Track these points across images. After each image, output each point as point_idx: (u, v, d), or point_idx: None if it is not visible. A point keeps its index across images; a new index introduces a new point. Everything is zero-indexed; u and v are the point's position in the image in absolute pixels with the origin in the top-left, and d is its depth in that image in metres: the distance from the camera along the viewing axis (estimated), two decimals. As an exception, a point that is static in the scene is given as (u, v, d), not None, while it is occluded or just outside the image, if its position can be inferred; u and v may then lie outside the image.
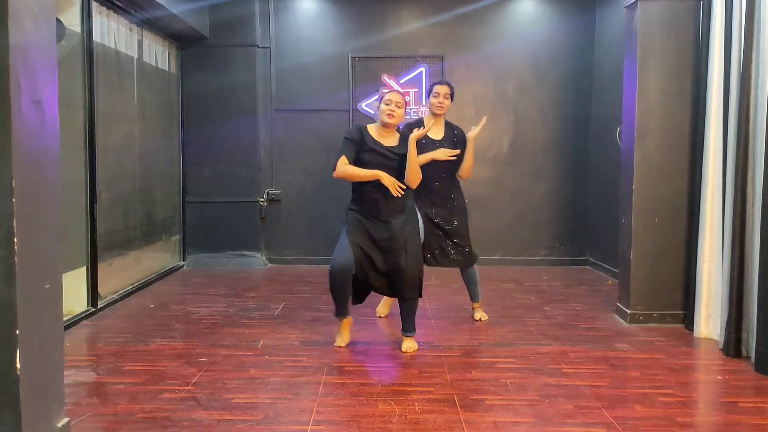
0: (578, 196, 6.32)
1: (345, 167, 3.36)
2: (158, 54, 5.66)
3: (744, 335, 3.39)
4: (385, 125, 3.45)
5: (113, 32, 4.77)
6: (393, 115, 3.42)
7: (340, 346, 3.55)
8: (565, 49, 6.22)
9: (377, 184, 3.38)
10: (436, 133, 3.95)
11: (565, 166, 6.30)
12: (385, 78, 6.20)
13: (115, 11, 4.77)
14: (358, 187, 3.46)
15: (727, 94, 3.56)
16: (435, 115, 3.92)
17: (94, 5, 4.41)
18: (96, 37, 4.43)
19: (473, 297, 4.19)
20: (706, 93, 3.75)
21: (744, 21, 3.36)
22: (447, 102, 3.91)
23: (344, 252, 3.37)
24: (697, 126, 3.89)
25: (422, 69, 6.19)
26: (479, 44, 6.22)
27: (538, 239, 6.25)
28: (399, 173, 3.40)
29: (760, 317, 3.16)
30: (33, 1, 2.04)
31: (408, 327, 3.52)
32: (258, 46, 6.12)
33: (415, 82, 6.21)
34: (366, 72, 6.23)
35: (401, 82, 6.21)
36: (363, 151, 3.39)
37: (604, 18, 5.99)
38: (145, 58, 5.38)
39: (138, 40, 5.22)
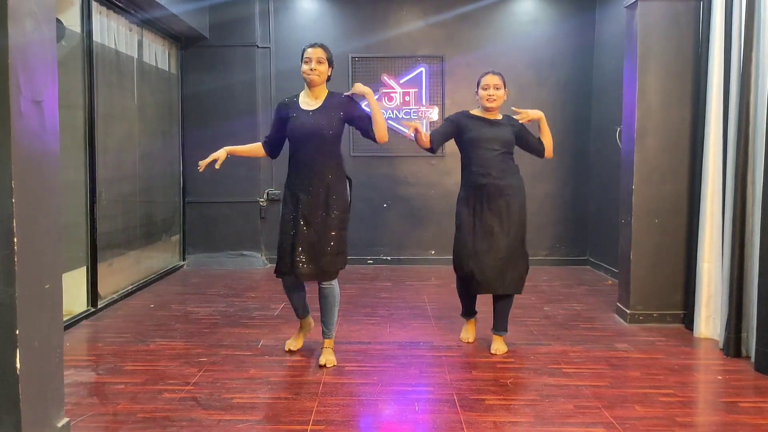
0: (578, 196, 6.32)
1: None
2: (158, 54, 5.66)
3: (744, 335, 3.39)
4: (487, 110, 3.43)
5: (113, 32, 4.77)
6: (492, 98, 3.38)
7: (468, 342, 3.63)
8: (565, 49, 6.22)
9: (484, 164, 3.37)
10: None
11: (566, 167, 6.30)
12: (385, 78, 6.20)
13: (115, 11, 4.77)
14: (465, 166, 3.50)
15: (727, 94, 3.56)
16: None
17: (94, 5, 4.41)
18: (96, 37, 4.43)
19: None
20: (706, 93, 3.75)
21: (744, 21, 3.36)
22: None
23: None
24: (697, 126, 3.89)
25: (422, 69, 6.19)
26: (479, 44, 6.22)
27: (538, 239, 6.25)
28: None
29: (760, 317, 3.16)
30: (33, 1, 2.04)
31: (500, 325, 3.49)
32: (258, 46, 6.12)
33: (415, 82, 6.21)
34: (366, 72, 6.23)
35: (401, 82, 6.22)
36: (466, 133, 3.44)
37: (604, 18, 5.99)
38: (145, 58, 5.38)
39: (138, 40, 5.22)
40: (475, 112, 3.52)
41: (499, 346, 3.46)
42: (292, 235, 3.17)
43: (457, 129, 3.50)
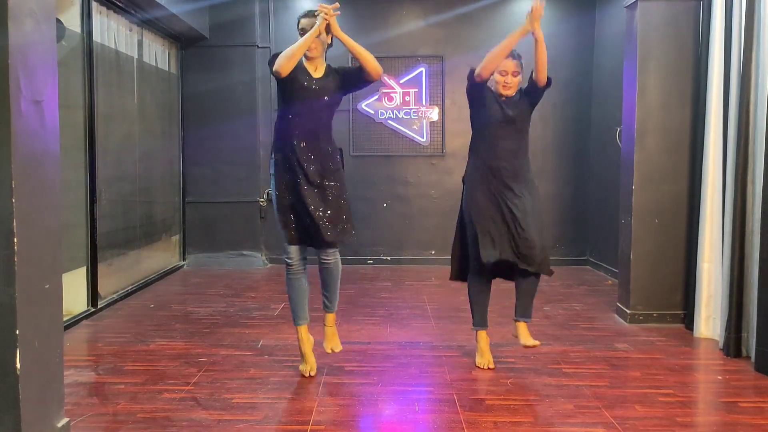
0: (578, 197, 6.32)
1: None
2: (158, 54, 5.66)
3: (744, 335, 3.39)
4: (501, 96, 3.18)
5: (113, 32, 4.77)
6: (509, 86, 3.14)
7: (489, 368, 3.21)
8: (565, 50, 6.22)
9: (497, 146, 3.11)
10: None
11: (566, 167, 6.30)
12: (385, 78, 6.20)
13: (115, 11, 4.77)
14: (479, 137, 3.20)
15: (727, 94, 3.56)
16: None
17: (94, 5, 4.41)
18: (96, 37, 4.43)
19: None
20: (706, 93, 3.75)
21: (744, 21, 3.36)
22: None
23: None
24: (697, 126, 3.89)
25: (422, 69, 6.20)
26: (479, 44, 6.21)
27: (538, 239, 6.24)
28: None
29: (760, 317, 3.16)
30: (33, 1, 2.04)
31: (527, 310, 3.19)
32: (258, 46, 6.12)
33: (415, 82, 6.22)
34: (366, 72, 6.22)
35: (401, 82, 6.22)
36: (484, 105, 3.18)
37: (604, 18, 5.99)
38: (145, 58, 5.37)
39: (138, 40, 5.22)
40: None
41: (528, 336, 3.14)
42: (298, 201, 2.96)
43: (482, 92, 3.19)
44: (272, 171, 3.06)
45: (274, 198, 3.07)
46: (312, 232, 3.00)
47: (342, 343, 3.62)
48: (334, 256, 3.09)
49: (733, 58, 3.48)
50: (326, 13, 2.91)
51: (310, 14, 3.01)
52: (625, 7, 4.19)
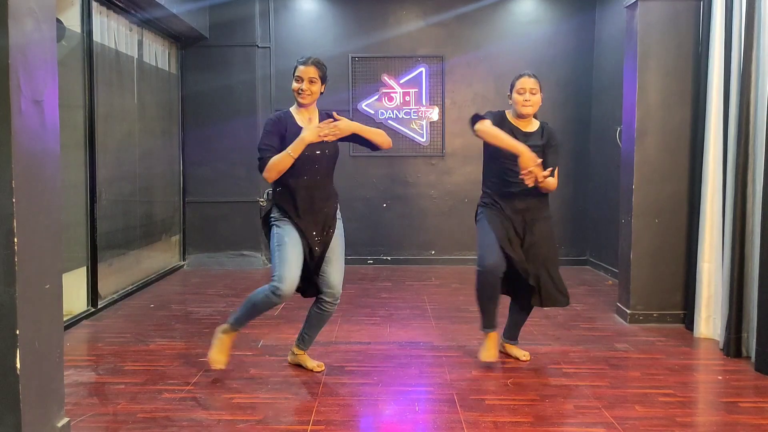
0: (578, 197, 6.32)
1: (489, 128, 3.02)
2: (158, 54, 5.66)
3: (744, 335, 3.39)
4: (522, 116, 3.15)
5: (113, 32, 4.77)
6: (528, 104, 3.10)
7: (492, 361, 3.21)
8: (565, 49, 6.22)
9: (506, 180, 3.10)
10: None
11: (565, 167, 6.29)
12: (385, 78, 6.20)
13: (115, 11, 4.77)
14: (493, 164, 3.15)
15: (727, 94, 3.56)
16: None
17: (94, 5, 4.41)
18: (96, 37, 4.43)
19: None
20: (706, 93, 3.75)
21: (744, 21, 3.36)
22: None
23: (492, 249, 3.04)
24: (697, 126, 3.89)
25: (422, 69, 6.20)
26: (479, 44, 6.22)
27: (538, 239, 6.25)
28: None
29: (760, 317, 3.16)
30: (33, 1, 2.04)
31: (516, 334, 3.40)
32: (258, 46, 6.12)
33: (415, 82, 6.22)
34: (366, 72, 6.23)
35: (401, 82, 6.22)
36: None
37: (604, 18, 5.99)
38: (145, 58, 5.38)
39: (138, 40, 5.22)
40: (510, 116, 3.19)
41: (521, 351, 3.37)
42: (307, 254, 2.95)
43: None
44: (277, 222, 2.97)
45: (279, 236, 2.93)
46: (321, 274, 3.03)
47: (342, 343, 3.64)
48: (336, 303, 3.07)
49: (733, 58, 3.48)
50: (328, 130, 2.84)
51: (309, 62, 2.93)
52: (625, 6, 4.19)
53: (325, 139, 2.85)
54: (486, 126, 3.05)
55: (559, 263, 3.22)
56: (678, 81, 4.00)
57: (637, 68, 4.01)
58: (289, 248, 2.90)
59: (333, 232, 3.06)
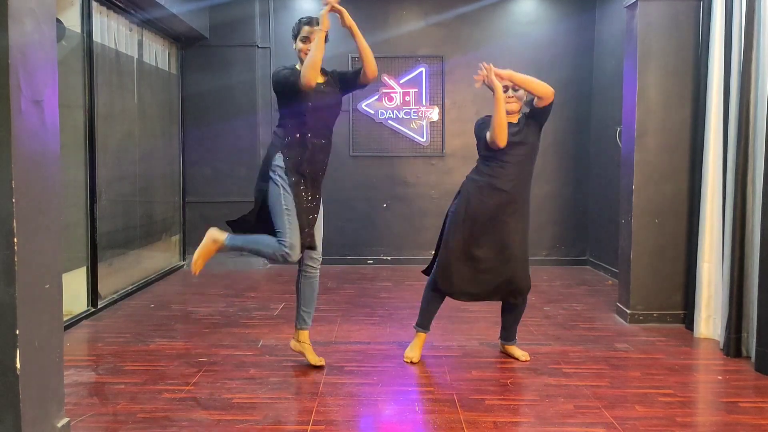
0: (578, 197, 6.32)
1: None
2: (158, 54, 5.66)
3: (744, 335, 3.39)
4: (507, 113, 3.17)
5: (113, 32, 4.76)
6: (512, 101, 3.15)
7: (414, 362, 3.28)
8: (565, 50, 6.22)
9: (499, 171, 3.14)
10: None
11: (566, 167, 6.30)
12: (385, 78, 6.20)
13: (115, 11, 4.77)
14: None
15: (727, 94, 3.56)
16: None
17: (94, 5, 4.41)
18: (96, 37, 4.43)
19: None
20: (706, 93, 3.75)
21: (744, 21, 3.36)
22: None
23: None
24: (697, 126, 3.89)
25: (422, 69, 6.20)
26: (479, 44, 6.22)
27: (538, 239, 6.25)
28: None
29: (760, 317, 3.16)
30: (33, 1, 2.04)
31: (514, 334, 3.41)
32: (258, 46, 6.12)
33: (415, 82, 6.22)
34: (366, 72, 6.22)
35: (401, 82, 6.22)
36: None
37: (604, 18, 5.99)
38: (145, 58, 5.37)
39: (138, 40, 5.22)
40: None
41: (520, 351, 3.39)
42: (309, 211, 3.02)
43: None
44: (282, 175, 2.99)
45: (288, 200, 2.98)
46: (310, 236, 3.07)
47: (342, 343, 3.64)
48: (319, 265, 3.20)
49: (733, 58, 3.48)
50: (334, 5, 2.90)
51: (313, 21, 3.00)
52: (625, 7, 4.19)
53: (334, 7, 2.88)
54: (494, 131, 3.09)
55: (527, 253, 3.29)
56: (678, 81, 4.00)
57: (637, 68, 4.01)
58: (296, 214, 2.98)
59: (320, 197, 3.15)
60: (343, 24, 2.96)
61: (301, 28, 3.02)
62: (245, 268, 6.11)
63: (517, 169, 3.14)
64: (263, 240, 3.09)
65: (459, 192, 3.27)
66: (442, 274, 3.24)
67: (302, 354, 3.23)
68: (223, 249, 3.23)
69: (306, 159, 3.01)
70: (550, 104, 3.18)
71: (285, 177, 3.00)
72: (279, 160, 3.01)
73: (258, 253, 3.18)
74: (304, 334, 3.23)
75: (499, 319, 3.87)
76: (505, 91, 3.13)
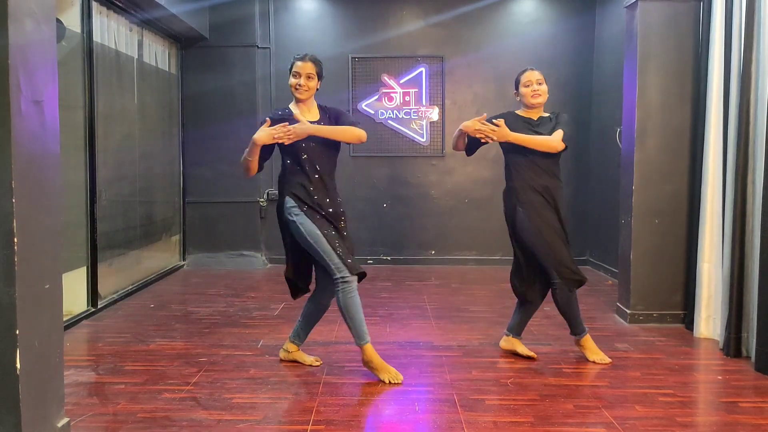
0: (578, 197, 6.32)
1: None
2: (158, 54, 5.67)
3: (744, 335, 3.39)
4: (532, 107, 3.26)
5: (113, 32, 4.77)
6: (537, 94, 3.20)
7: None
8: (565, 50, 6.22)
9: (524, 170, 3.26)
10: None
11: (566, 167, 6.26)
12: (385, 78, 6.20)
13: (115, 11, 4.77)
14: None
15: (727, 94, 3.56)
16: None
17: (94, 5, 4.41)
18: (96, 37, 4.43)
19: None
20: (706, 93, 3.75)
21: (744, 21, 3.36)
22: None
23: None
24: (697, 126, 3.89)
25: (422, 69, 6.20)
26: (479, 44, 6.22)
27: (538, 239, 6.25)
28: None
29: (760, 317, 3.16)
30: (33, 1, 2.04)
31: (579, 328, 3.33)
32: (258, 47, 6.13)
33: (415, 82, 6.22)
34: (366, 72, 6.23)
35: (401, 82, 6.22)
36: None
37: (604, 18, 5.99)
38: (145, 58, 5.38)
39: (138, 40, 5.22)
40: (521, 112, 3.33)
41: (595, 351, 3.35)
42: (334, 235, 3.00)
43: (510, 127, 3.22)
44: (297, 212, 3.00)
45: (310, 229, 2.97)
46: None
47: (342, 343, 3.64)
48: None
49: (733, 58, 3.48)
50: (282, 133, 2.98)
51: (306, 58, 3.06)
52: (625, 7, 4.19)
53: (280, 141, 2.98)
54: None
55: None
56: (678, 81, 4.00)
57: (637, 69, 4.01)
58: (324, 238, 2.97)
59: (344, 226, 3.14)
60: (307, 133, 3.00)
61: (293, 63, 3.08)
62: (245, 268, 6.11)
63: (547, 163, 3.26)
64: (342, 306, 2.99)
65: (509, 207, 3.33)
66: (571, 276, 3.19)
67: (296, 361, 3.28)
68: (296, 346, 3.31)
69: (313, 196, 3.02)
70: (563, 150, 3.27)
71: (300, 212, 3.00)
72: (289, 202, 3.04)
73: (351, 310, 2.99)
74: (293, 347, 3.29)
75: (500, 319, 3.88)
76: (528, 86, 3.23)
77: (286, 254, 3.21)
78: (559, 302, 3.22)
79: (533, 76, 3.24)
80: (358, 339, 3.01)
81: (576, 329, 3.31)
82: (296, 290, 3.27)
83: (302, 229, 2.98)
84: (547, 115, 3.31)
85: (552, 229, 3.24)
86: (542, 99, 3.24)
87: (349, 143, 3.19)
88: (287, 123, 3.00)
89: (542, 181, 3.26)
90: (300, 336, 3.30)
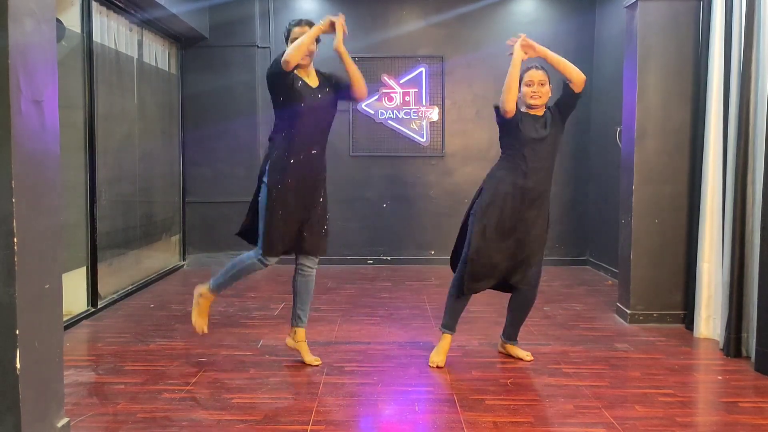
0: (578, 197, 6.32)
1: None
2: (158, 54, 5.66)
3: (744, 335, 3.39)
4: (531, 107, 3.19)
5: (113, 32, 4.77)
6: (537, 95, 3.14)
7: (440, 367, 3.22)
8: (565, 50, 6.17)
9: (528, 164, 3.14)
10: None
11: (565, 167, 6.29)
12: (385, 78, 6.20)
13: (115, 11, 4.77)
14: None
15: (727, 94, 3.56)
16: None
17: (94, 5, 4.41)
18: (96, 37, 4.43)
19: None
20: (706, 93, 3.75)
21: (744, 21, 3.36)
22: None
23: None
24: (697, 126, 3.89)
25: (422, 69, 6.20)
26: (479, 44, 6.22)
27: (538, 239, 6.25)
28: None
29: (760, 317, 3.16)
30: (33, 1, 2.04)
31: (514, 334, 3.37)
32: (258, 47, 6.13)
33: (415, 82, 6.22)
34: (366, 72, 6.18)
35: (401, 82, 6.22)
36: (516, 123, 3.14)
37: (604, 18, 5.99)
38: (145, 58, 5.38)
39: (138, 40, 5.22)
40: (525, 108, 3.23)
41: (523, 351, 3.38)
42: (293, 214, 3.05)
43: (514, 118, 3.15)
44: (272, 177, 3.03)
45: (268, 204, 3.03)
46: (299, 240, 3.13)
47: (342, 343, 3.64)
48: (315, 266, 3.23)
49: (733, 58, 3.48)
50: (339, 23, 3.08)
51: (302, 22, 3.08)
52: (625, 7, 4.19)
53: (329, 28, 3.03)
54: (502, 95, 3.10)
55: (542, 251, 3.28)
56: (678, 81, 4.00)
57: (637, 69, 4.01)
58: (278, 218, 3.03)
59: (321, 202, 3.17)
60: (335, 47, 3.05)
61: (291, 29, 3.08)
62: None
63: (539, 164, 3.15)
64: (239, 260, 3.20)
65: (481, 189, 3.26)
66: (470, 277, 3.13)
67: (298, 352, 3.26)
68: (213, 295, 3.29)
69: (298, 165, 3.03)
70: (580, 94, 3.20)
71: (273, 182, 3.03)
72: (268, 166, 3.06)
73: (242, 273, 3.20)
74: (301, 332, 3.26)
75: (500, 319, 3.86)
76: (529, 86, 3.15)
77: (250, 209, 3.20)
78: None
79: (536, 75, 3.14)
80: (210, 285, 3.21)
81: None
82: (246, 235, 3.27)
83: (266, 200, 3.02)
84: (542, 114, 3.24)
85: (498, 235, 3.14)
86: (541, 101, 3.15)
87: (357, 93, 3.15)
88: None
89: (539, 185, 3.16)
90: (299, 317, 3.24)
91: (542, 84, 3.15)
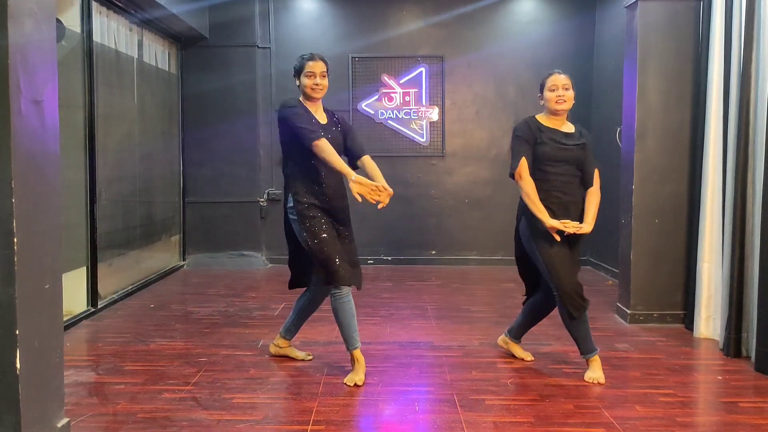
0: (578, 196, 6.31)
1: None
2: (158, 54, 5.67)
3: (744, 335, 3.39)
4: (555, 113, 3.08)
5: (113, 32, 4.77)
6: (562, 100, 3.03)
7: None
8: (565, 50, 6.22)
9: (556, 183, 3.13)
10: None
11: (565, 166, 6.29)
12: (385, 78, 6.20)
13: (115, 11, 4.77)
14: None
15: (727, 94, 3.56)
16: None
17: (94, 5, 4.41)
18: (96, 37, 4.43)
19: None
20: (706, 93, 3.75)
21: (744, 21, 3.36)
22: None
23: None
24: (697, 126, 3.89)
25: (422, 69, 6.20)
26: (479, 44, 6.22)
27: (538, 239, 6.25)
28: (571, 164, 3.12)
29: (760, 317, 3.16)
30: (33, 1, 2.04)
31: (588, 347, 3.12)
32: (258, 47, 6.13)
33: (415, 82, 6.22)
34: (366, 72, 6.23)
35: (401, 82, 6.22)
36: (538, 144, 3.05)
37: (604, 18, 5.99)
38: (145, 58, 5.38)
39: (138, 40, 5.22)
40: (542, 119, 3.13)
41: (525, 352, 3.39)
42: (336, 244, 2.99)
43: (533, 144, 3.09)
44: (299, 206, 2.98)
45: (307, 227, 2.96)
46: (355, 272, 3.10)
47: (342, 343, 3.62)
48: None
49: (733, 58, 3.48)
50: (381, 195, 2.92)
51: (316, 57, 3.04)
52: (625, 7, 4.19)
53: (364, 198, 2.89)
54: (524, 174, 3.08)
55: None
56: (678, 81, 4.00)
57: (637, 69, 4.01)
58: (324, 242, 2.97)
59: (350, 234, 3.16)
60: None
61: (304, 64, 3.03)
62: (245, 268, 6.11)
63: (569, 171, 3.18)
64: (305, 298, 3.23)
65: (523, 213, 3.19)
66: (570, 301, 2.99)
67: (286, 356, 3.32)
68: (287, 341, 3.36)
69: (322, 194, 3.02)
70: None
71: (301, 209, 2.98)
72: (291, 201, 3.03)
73: (337, 315, 3.00)
74: (285, 341, 3.33)
75: (500, 319, 3.88)
76: (553, 91, 3.07)
77: (288, 247, 3.21)
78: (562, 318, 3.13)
79: (559, 80, 3.06)
80: (346, 344, 3.02)
81: (582, 349, 3.12)
82: (295, 282, 3.28)
83: (304, 233, 2.97)
84: (572, 130, 3.14)
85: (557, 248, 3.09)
86: (567, 106, 3.06)
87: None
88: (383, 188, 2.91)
89: (572, 196, 3.23)
90: (291, 331, 3.32)
91: (566, 88, 3.07)
